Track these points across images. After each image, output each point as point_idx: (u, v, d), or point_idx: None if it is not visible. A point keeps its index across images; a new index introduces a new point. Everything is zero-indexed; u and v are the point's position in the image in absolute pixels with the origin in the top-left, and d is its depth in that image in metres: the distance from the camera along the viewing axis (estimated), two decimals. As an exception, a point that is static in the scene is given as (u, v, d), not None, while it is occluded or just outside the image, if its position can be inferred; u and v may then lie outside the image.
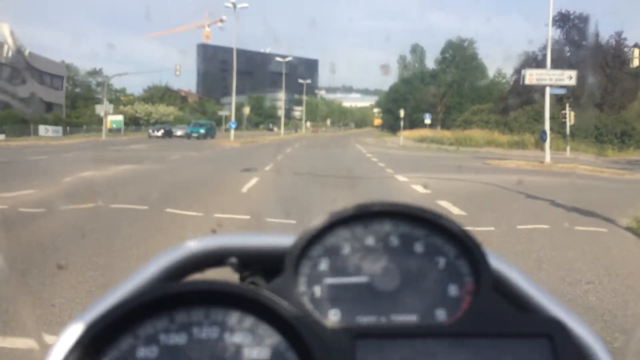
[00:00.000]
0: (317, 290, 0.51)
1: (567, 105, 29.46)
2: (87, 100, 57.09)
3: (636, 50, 25.62)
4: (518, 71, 39.05)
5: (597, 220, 7.61)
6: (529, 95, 38.73)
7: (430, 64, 78.29)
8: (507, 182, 12.46)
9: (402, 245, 0.53)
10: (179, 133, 46.72)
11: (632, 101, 38.41)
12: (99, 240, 5.63)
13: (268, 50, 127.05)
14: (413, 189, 11.24)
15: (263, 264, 0.58)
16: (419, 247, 0.53)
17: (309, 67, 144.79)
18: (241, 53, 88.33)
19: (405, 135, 48.44)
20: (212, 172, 14.04)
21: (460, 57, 68.08)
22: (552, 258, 5.44)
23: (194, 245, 0.57)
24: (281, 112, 70.09)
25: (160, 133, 45.80)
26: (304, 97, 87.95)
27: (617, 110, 38.28)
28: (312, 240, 0.52)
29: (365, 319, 0.50)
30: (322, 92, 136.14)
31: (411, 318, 0.50)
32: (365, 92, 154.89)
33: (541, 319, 0.53)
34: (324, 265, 0.52)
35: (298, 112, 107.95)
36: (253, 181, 11.67)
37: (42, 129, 39.86)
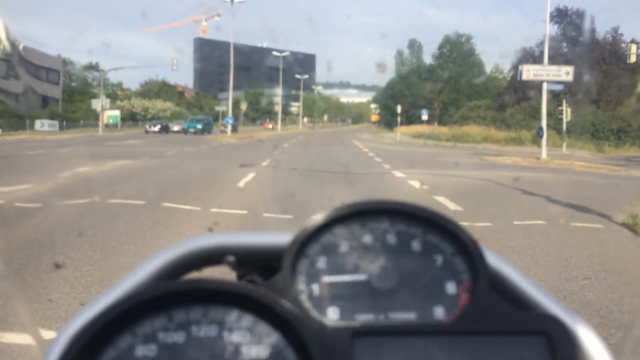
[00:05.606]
0: (315, 289, 0.51)
1: (564, 101, 29.48)
2: (83, 94, 56.83)
3: (633, 46, 25.54)
4: (515, 67, 39.06)
5: (593, 216, 7.63)
6: (525, 92, 38.82)
7: (427, 59, 78.28)
8: (503, 178, 12.49)
9: (400, 243, 0.53)
10: (175, 128, 46.57)
11: (629, 97, 38.45)
12: (95, 235, 5.62)
13: (265, 45, 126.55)
14: (410, 184, 11.25)
15: (260, 262, 0.58)
16: (416, 245, 0.53)
17: (306, 62, 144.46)
18: (238, 48, 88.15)
19: (402, 131, 48.45)
20: (209, 167, 14.01)
21: (457, 52, 67.94)
22: (549, 254, 5.47)
23: (191, 243, 0.57)
24: (278, 108, 69.91)
25: (157, 128, 45.69)
26: (301, 93, 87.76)
27: (613, 107, 38.39)
28: (310, 238, 0.52)
29: (364, 317, 0.50)
30: (320, 88, 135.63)
31: (409, 316, 0.50)
32: (363, 87, 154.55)
33: (538, 316, 0.53)
34: (321, 263, 0.52)
35: (295, 107, 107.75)
36: (250, 176, 11.66)
37: (37, 123, 39.67)
